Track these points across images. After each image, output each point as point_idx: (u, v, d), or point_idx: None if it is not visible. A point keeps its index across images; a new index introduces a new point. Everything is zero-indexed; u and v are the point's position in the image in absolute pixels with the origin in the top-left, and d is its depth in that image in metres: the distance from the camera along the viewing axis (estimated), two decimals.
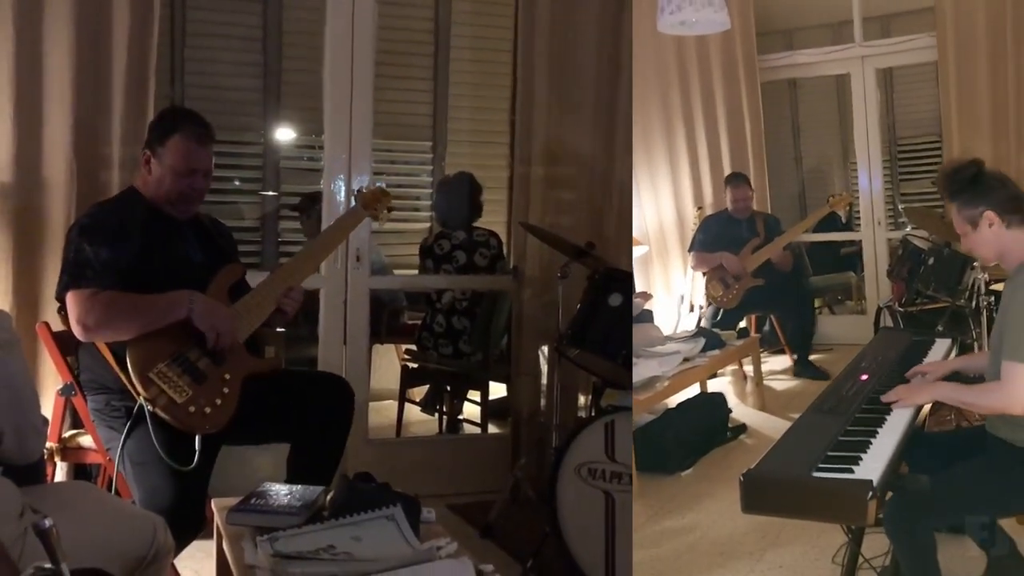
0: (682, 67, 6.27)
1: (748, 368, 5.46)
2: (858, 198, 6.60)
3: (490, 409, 4.90)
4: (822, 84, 7.61)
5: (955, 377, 2.79)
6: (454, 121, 6.62)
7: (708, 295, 5.59)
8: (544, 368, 4.20)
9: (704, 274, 5.65)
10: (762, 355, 5.55)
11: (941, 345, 3.21)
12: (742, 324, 5.79)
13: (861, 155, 6.61)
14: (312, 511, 2.39)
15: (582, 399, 4.21)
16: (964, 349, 3.92)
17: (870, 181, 6.56)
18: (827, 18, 7.21)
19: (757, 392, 5.15)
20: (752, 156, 6.28)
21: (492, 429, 4.89)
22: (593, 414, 3.40)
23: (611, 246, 4.23)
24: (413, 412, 5.25)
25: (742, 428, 4.63)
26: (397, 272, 5.83)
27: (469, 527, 3.74)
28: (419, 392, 5.38)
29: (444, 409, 5.20)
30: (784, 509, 2.22)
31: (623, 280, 3.44)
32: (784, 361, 5.98)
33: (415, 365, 5.09)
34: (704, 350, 4.61)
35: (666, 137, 6.34)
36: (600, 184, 4.28)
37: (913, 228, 5.63)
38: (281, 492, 2.49)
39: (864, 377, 2.79)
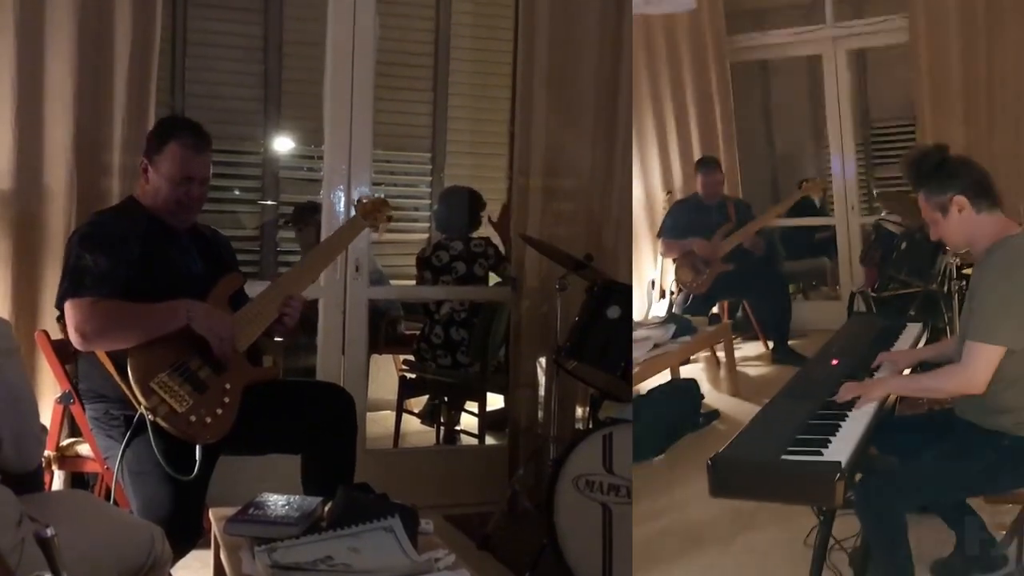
0: (649, 48, 6.04)
1: (721, 354, 5.32)
2: (831, 183, 6.43)
3: (488, 420, 4.89)
4: (793, 66, 7.32)
5: (926, 366, 2.78)
6: (453, 132, 6.64)
7: (678, 280, 5.48)
8: (542, 380, 4.19)
9: (674, 260, 5.54)
10: (735, 341, 5.43)
11: (912, 330, 3.21)
12: (715, 310, 5.67)
13: (834, 139, 6.41)
14: (310, 522, 2.39)
15: (580, 411, 4.21)
16: (936, 333, 3.86)
17: (843, 165, 6.39)
18: None
19: (730, 378, 5.05)
20: (722, 139, 6.11)
21: (489, 440, 4.88)
22: (591, 426, 3.40)
23: (609, 258, 4.23)
24: (411, 423, 5.24)
25: (715, 414, 4.56)
26: (394, 282, 5.82)
27: (467, 538, 3.74)
28: (417, 403, 5.37)
29: (442, 420, 5.20)
30: (753, 492, 2.23)
31: (622, 292, 3.44)
32: (758, 347, 5.86)
33: (413, 376, 5.09)
34: (675, 336, 4.54)
35: (635, 120, 6.14)
36: (599, 196, 4.29)
37: (887, 213, 5.51)
38: (279, 502, 2.48)
39: (835, 362, 2.79)
